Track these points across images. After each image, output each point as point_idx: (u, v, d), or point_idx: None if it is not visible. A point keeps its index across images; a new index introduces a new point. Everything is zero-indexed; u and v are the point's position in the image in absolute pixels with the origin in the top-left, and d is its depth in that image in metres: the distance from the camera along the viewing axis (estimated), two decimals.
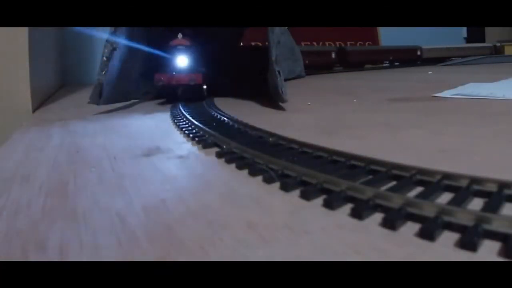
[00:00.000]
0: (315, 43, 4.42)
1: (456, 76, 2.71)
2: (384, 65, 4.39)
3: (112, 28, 1.53)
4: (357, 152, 0.69)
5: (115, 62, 1.51)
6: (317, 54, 3.67)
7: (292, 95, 1.53)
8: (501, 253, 0.41)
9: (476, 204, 0.51)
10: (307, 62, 3.10)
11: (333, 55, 3.82)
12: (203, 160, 0.81)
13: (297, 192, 0.60)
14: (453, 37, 5.45)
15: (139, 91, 1.72)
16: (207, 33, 1.63)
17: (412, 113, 1.27)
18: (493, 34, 5.55)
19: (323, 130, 1.05)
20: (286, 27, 1.86)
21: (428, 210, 0.49)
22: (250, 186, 0.64)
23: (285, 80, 1.68)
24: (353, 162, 0.67)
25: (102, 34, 1.73)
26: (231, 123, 1.08)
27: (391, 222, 0.48)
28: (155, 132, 1.12)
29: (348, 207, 0.54)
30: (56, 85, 2.29)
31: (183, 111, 1.27)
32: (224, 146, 0.85)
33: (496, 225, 0.44)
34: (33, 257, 0.42)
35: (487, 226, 0.44)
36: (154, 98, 1.74)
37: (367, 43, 4.89)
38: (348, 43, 4.64)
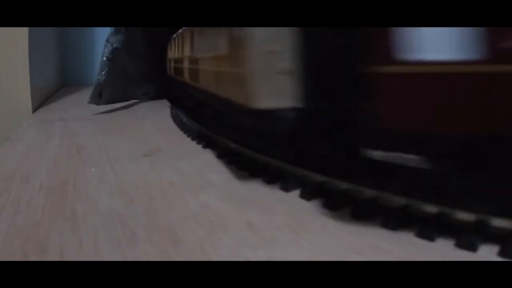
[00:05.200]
0: None
1: None
2: None
3: (112, 28, 1.52)
4: None
5: (115, 62, 1.51)
6: None
7: None
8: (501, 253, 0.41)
9: None
10: None
11: None
12: (203, 160, 0.81)
13: (297, 192, 0.60)
14: None
15: (139, 91, 1.72)
16: None
17: None
18: None
19: None
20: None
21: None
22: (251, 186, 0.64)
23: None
24: None
25: (102, 34, 1.73)
26: None
27: (391, 222, 0.48)
28: (155, 132, 1.12)
29: (348, 207, 0.54)
30: (56, 85, 2.29)
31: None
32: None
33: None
34: (33, 257, 0.42)
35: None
36: (153, 98, 1.74)
37: None
38: None
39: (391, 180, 0.51)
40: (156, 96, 1.74)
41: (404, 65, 0.45)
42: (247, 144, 0.75)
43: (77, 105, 1.65)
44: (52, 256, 0.43)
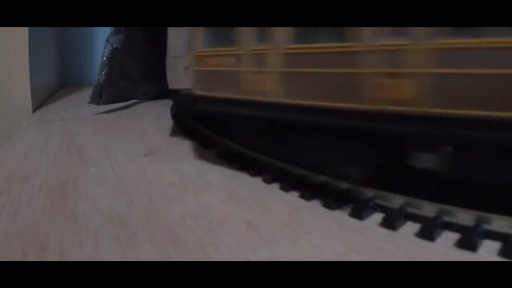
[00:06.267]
0: None
1: None
2: None
3: (112, 28, 1.52)
4: None
5: (115, 62, 1.51)
6: None
7: None
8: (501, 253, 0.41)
9: None
10: None
11: None
12: (203, 160, 0.81)
13: (297, 192, 0.60)
14: None
15: (139, 91, 1.72)
16: None
17: None
18: None
19: None
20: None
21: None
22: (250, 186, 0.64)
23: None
24: None
25: (102, 34, 1.73)
26: None
27: (391, 222, 0.48)
28: (155, 132, 1.12)
29: (348, 207, 0.54)
30: (56, 85, 2.29)
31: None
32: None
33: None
34: (33, 257, 0.42)
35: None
36: (154, 98, 1.74)
37: None
38: None
39: None
40: (156, 96, 1.74)
41: None
42: None
43: (77, 105, 1.65)
44: (52, 256, 0.43)
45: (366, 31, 0.49)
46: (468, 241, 0.43)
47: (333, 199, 0.55)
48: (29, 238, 0.47)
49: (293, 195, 0.60)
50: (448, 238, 0.45)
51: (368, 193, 0.54)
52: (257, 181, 0.66)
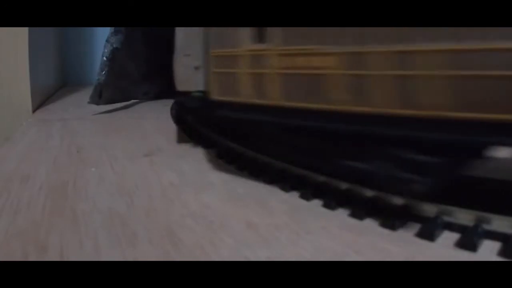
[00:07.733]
0: None
1: None
2: None
3: (112, 28, 1.52)
4: None
5: (115, 62, 1.51)
6: None
7: None
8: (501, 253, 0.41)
9: None
10: None
11: None
12: (203, 160, 0.81)
13: (297, 192, 0.60)
14: None
15: (139, 91, 1.72)
16: None
17: None
18: None
19: None
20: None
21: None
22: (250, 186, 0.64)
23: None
24: None
25: (102, 34, 1.73)
26: None
27: (391, 222, 0.48)
28: (155, 132, 1.12)
29: (348, 207, 0.54)
30: (56, 85, 2.29)
31: None
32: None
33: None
34: (33, 257, 0.42)
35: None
36: (154, 98, 1.74)
37: None
38: None
39: None
40: (157, 97, 1.74)
41: None
42: None
43: (77, 105, 1.65)
44: (52, 256, 0.43)
45: None
46: (468, 241, 0.43)
47: (333, 199, 0.55)
48: (29, 238, 0.47)
49: (293, 195, 0.60)
50: (448, 238, 0.45)
51: (368, 192, 0.54)
52: (257, 181, 0.66)
